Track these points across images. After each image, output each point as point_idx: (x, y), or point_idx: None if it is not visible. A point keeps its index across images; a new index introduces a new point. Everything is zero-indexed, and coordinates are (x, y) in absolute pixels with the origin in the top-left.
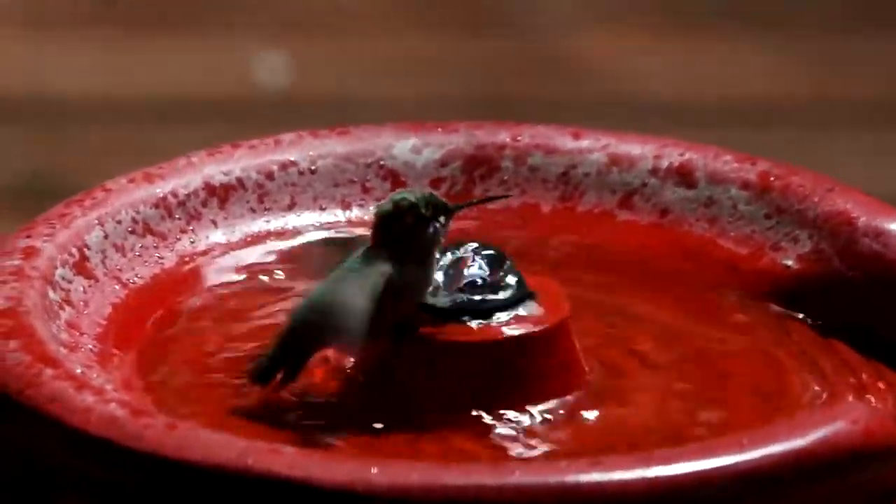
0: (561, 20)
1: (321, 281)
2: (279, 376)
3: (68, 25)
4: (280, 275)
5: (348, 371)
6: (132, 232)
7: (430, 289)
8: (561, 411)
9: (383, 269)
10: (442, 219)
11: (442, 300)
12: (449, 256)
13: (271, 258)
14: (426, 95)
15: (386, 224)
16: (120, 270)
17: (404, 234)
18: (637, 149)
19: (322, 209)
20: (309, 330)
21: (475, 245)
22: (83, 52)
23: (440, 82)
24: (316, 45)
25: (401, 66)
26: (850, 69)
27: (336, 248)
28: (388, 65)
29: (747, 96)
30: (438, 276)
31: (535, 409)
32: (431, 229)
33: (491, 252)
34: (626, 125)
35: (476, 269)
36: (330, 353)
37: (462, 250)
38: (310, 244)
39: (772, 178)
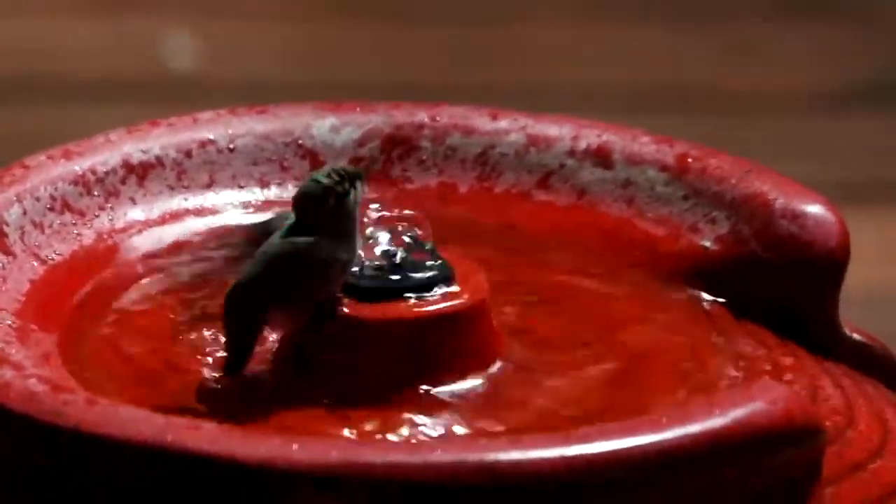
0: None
1: (249, 261)
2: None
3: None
4: (198, 252)
5: (272, 351)
6: (51, 209)
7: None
8: (480, 390)
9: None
10: (358, 184)
11: (362, 280)
12: (368, 236)
13: (189, 235)
14: (343, 82)
15: (307, 209)
16: (38, 247)
17: (328, 215)
18: (555, 130)
19: (241, 187)
20: (255, 299)
21: (394, 224)
22: (3, 30)
23: (357, 68)
24: (230, 28)
25: (318, 52)
26: (775, 58)
27: (255, 228)
28: (306, 50)
29: (670, 82)
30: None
31: (454, 388)
32: (351, 198)
33: (409, 231)
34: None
35: (395, 249)
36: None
37: (381, 229)
38: (230, 226)
39: (689, 160)
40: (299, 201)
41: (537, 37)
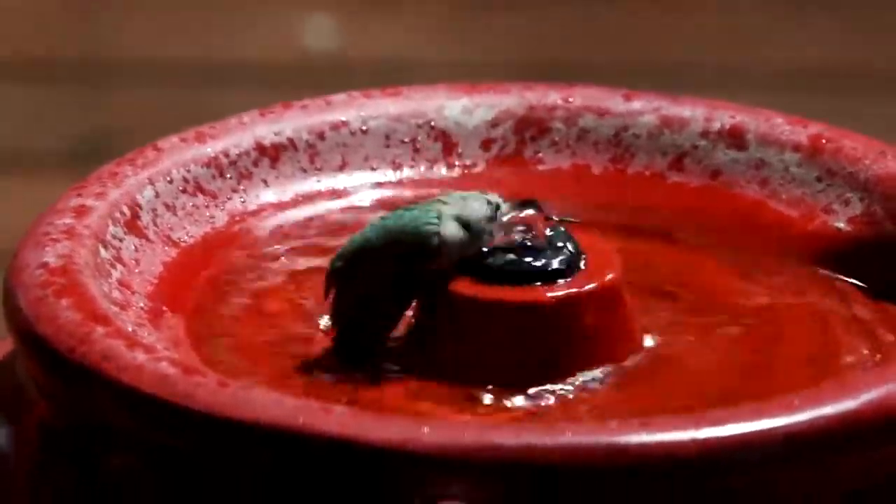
0: None
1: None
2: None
3: None
4: (331, 233)
5: (400, 333)
6: (183, 191)
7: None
8: (613, 373)
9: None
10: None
11: (495, 262)
12: (501, 216)
13: (322, 217)
14: (479, 61)
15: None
16: (171, 229)
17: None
18: (688, 111)
19: (373, 169)
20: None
21: (527, 206)
22: (137, 15)
23: (494, 49)
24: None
25: (453, 33)
26: None
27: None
28: (441, 31)
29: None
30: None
31: (587, 371)
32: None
33: (543, 214)
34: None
35: (528, 232)
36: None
37: (514, 211)
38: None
39: (823, 141)
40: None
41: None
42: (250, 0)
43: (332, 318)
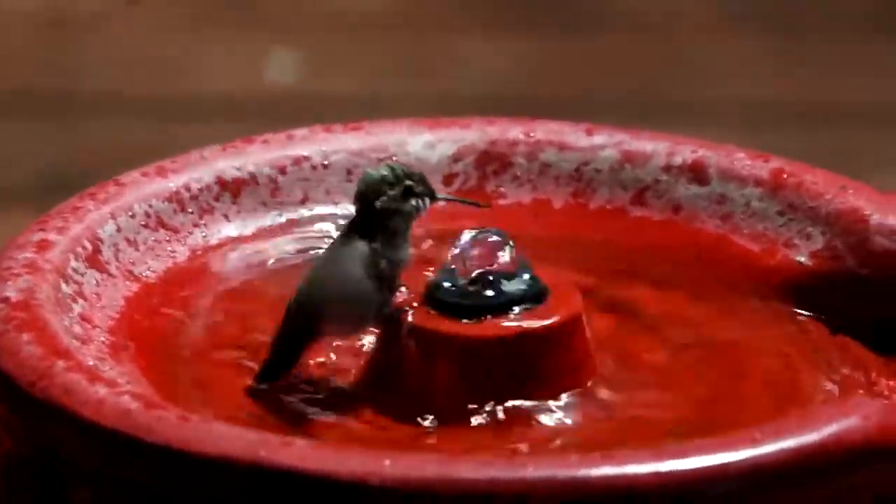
0: (588, 18)
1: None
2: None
3: (88, 23)
4: (292, 267)
5: (357, 366)
6: (145, 226)
7: (441, 284)
8: (573, 406)
9: (361, 247)
10: (426, 201)
11: (455, 297)
12: (461, 247)
13: (283, 251)
14: (440, 94)
15: (371, 190)
16: (133, 264)
17: (387, 204)
18: (650, 146)
19: (335, 203)
20: (305, 310)
21: (488, 236)
22: (99, 48)
23: (462, 80)
24: (329, 42)
25: (415, 65)
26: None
27: None
28: (401, 63)
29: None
30: (449, 270)
31: (547, 404)
32: (414, 203)
33: (504, 245)
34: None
35: (488, 266)
36: (332, 349)
37: (472, 240)
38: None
39: (784, 176)
40: (357, 194)
41: (639, 52)
42: (213, 35)
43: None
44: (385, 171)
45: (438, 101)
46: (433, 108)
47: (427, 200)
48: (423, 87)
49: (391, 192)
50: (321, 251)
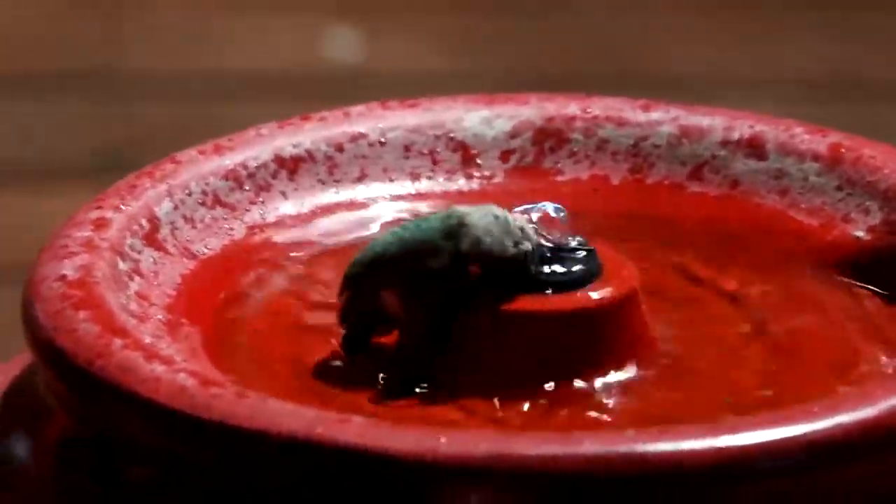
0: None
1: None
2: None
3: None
4: (350, 245)
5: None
6: (202, 203)
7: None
8: (630, 383)
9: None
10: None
11: (512, 272)
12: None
13: (341, 229)
14: (496, 72)
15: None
16: (189, 242)
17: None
18: (707, 121)
19: (391, 181)
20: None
21: (543, 210)
22: (155, 28)
23: (510, 59)
24: (386, 19)
25: (470, 43)
26: None
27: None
28: (458, 42)
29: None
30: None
31: (603, 381)
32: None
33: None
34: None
35: (545, 240)
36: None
37: (533, 216)
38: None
39: (843, 150)
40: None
41: (686, 28)
42: (269, 11)
43: (342, 320)
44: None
45: (485, 79)
46: (480, 87)
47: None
48: (470, 65)
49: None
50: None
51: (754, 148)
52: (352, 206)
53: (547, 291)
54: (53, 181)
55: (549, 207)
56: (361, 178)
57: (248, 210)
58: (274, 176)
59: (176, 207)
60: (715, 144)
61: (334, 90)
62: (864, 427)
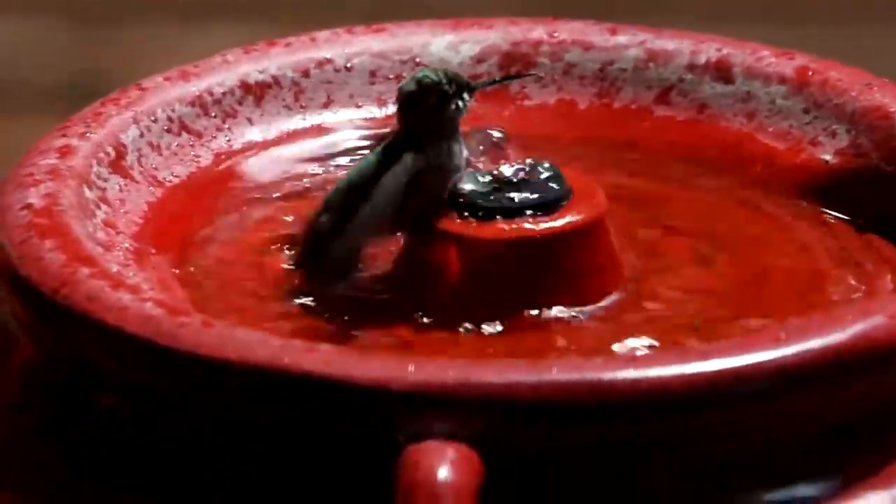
0: None
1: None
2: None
3: None
4: (316, 171)
5: (384, 269)
6: (168, 130)
7: (466, 187)
8: (598, 308)
9: (407, 158)
10: (465, 96)
11: (479, 199)
12: (482, 150)
13: (307, 155)
14: None
15: (411, 103)
16: (156, 169)
17: (428, 114)
18: (674, 44)
19: (358, 106)
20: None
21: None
22: None
23: None
24: None
25: None
26: None
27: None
28: None
29: None
30: (472, 174)
31: (572, 307)
32: (454, 106)
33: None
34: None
35: (512, 167)
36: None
37: (495, 144)
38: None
39: (810, 73)
40: (402, 96)
41: None
42: None
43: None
44: (433, 75)
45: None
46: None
47: (467, 95)
48: None
49: (443, 91)
50: (357, 160)
51: (721, 71)
52: (318, 131)
53: (517, 219)
54: (19, 108)
55: (494, 132)
56: (328, 104)
57: (214, 137)
58: (240, 102)
59: (142, 134)
60: (682, 68)
61: (300, 15)
62: (833, 352)
